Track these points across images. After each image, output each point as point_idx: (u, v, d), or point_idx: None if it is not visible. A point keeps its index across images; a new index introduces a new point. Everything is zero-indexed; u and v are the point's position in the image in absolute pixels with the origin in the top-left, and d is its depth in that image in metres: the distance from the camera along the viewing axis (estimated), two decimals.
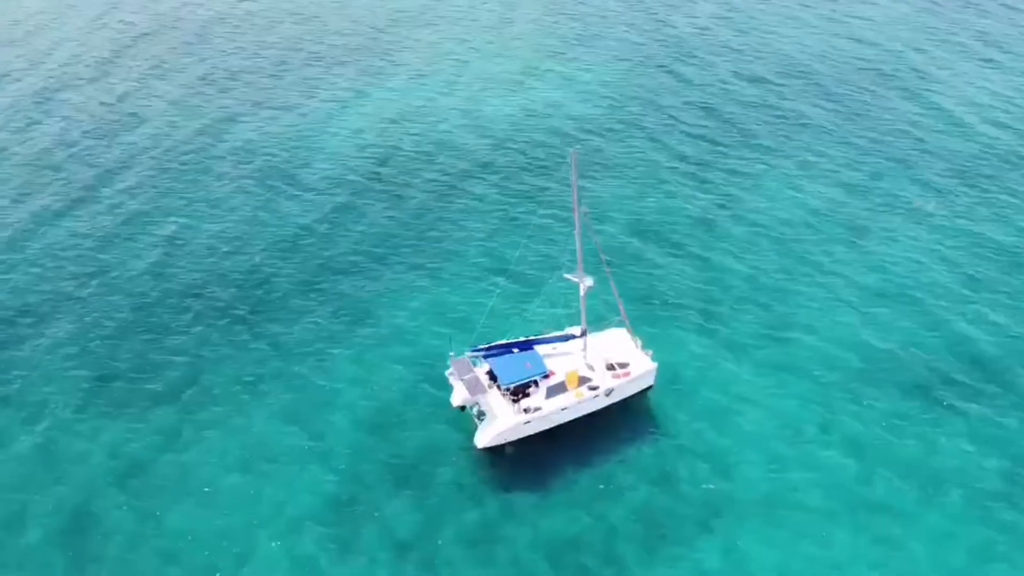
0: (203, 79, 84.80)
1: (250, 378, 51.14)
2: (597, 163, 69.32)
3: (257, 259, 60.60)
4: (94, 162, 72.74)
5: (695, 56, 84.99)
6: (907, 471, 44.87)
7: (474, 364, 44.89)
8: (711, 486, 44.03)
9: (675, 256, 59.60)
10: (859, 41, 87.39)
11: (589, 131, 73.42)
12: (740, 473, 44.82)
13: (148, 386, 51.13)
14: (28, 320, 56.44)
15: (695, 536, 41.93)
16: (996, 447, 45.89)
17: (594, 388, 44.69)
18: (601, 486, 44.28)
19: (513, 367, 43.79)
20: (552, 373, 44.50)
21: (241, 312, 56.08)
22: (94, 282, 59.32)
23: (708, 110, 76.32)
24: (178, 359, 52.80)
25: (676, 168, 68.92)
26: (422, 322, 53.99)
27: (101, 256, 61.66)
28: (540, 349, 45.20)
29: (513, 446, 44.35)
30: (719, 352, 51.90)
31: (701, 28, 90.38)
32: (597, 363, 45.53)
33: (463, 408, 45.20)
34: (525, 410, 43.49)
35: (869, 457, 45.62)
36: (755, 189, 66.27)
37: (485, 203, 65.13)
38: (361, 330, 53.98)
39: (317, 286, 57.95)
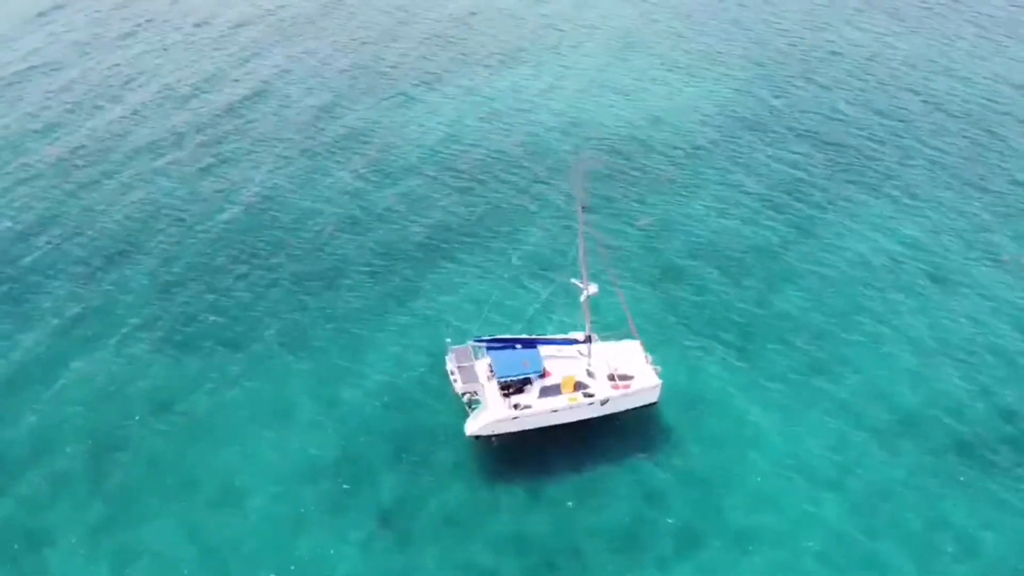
0: (324, 63, 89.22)
1: (292, 340, 53.84)
2: (675, 179, 68.37)
3: (328, 231, 63.67)
4: (217, 124, 78.16)
5: (813, 81, 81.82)
6: (909, 537, 42.46)
7: (476, 355, 45.89)
8: (693, 516, 43.19)
9: (727, 282, 58.12)
10: (996, 80, 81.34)
11: (676, 147, 72.30)
12: (728, 507, 43.74)
13: (204, 331, 55.02)
14: (120, 255, 61.93)
15: (658, 561, 41.40)
16: (1006, 531, 42.81)
17: (589, 395, 44.72)
18: (589, 493, 44.30)
19: (510, 362, 44.51)
20: (549, 374, 44.87)
21: (299, 278, 59.10)
22: (179, 230, 64.24)
23: (809, 138, 73.50)
24: (237, 311, 56.42)
25: (756, 194, 66.96)
26: (457, 314, 54.96)
27: (192, 208, 66.53)
28: (544, 349, 45.65)
29: (499, 439, 45.05)
30: (745, 384, 50.51)
31: (830, 53, 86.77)
32: (599, 371, 45.47)
33: (464, 395, 46.34)
34: (515, 406, 44.10)
35: (874, 516, 43.42)
36: (836, 225, 63.53)
37: (552, 207, 65.57)
38: (400, 312, 55.73)
39: (374, 265, 60.07)
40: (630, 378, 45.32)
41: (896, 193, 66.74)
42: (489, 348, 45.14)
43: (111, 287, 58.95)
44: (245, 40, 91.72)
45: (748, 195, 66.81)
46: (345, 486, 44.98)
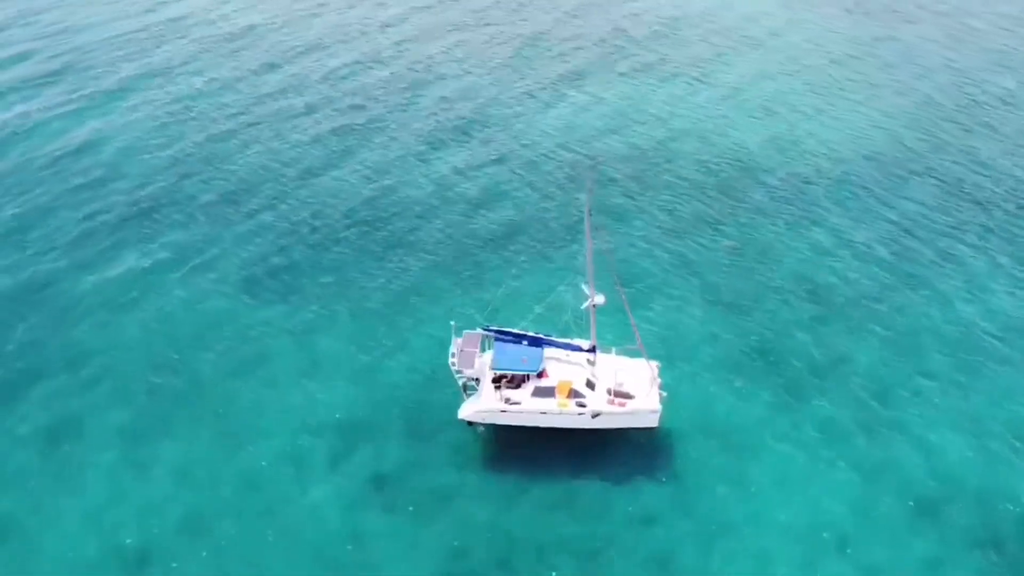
0: (472, 53, 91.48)
1: (351, 304, 56.19)
2: (781, 205, 65.29)
3: (414, 212, 65.79)
4: (372, 104, 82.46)
5: (968, 129, 75.24)
6: None
7: (484, 343, 46.24)
8: (672, 554, 41.59)
9: (792, 317, 55.31)
10: None
11: (793, 172, 68.99)
12: (714, 554, 41.70)
13: (276, 280, 58.57)
14: (238, 206, 66.85)
15: None
16: None
17: (581, 405, 44.06)
18: (573, 503, 43.71)
19: (509, 356, 44.63)
20: (547, 375, 44.59)
21: (375, 249, 61.56)
22: (280, 187, 68.57)
23: (938, 187, 68.00)
24: (309, 268, 59.67)
25: (861, 232, 63.06)
26: (498, 307, 54.88)
27: (295, 168, 70.68)
28: (549, 351, 45.39)
29: (487, 428, 45.35)
30: (776, 426, 47.98)
31: (999, 100, 79.31)
32: (602, 384, 44.68)
33: (476, 381, 46.81)
34: (506, 400, 44.20)
35: None
36: (952, 278, 58.83)
37: (644, 217, 64.54)
38: (456, 296, 56.86)
39: (448, 249, 61.48)
40: (630, 397, 44.22)
41: (1010, 264, 60.60)
42: (497, 338, 45.39)
43: (207, 225, 64.08)
44: (410, 25, 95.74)
45: (851, 232, 63.22)
46: (353, 446, 46.59)
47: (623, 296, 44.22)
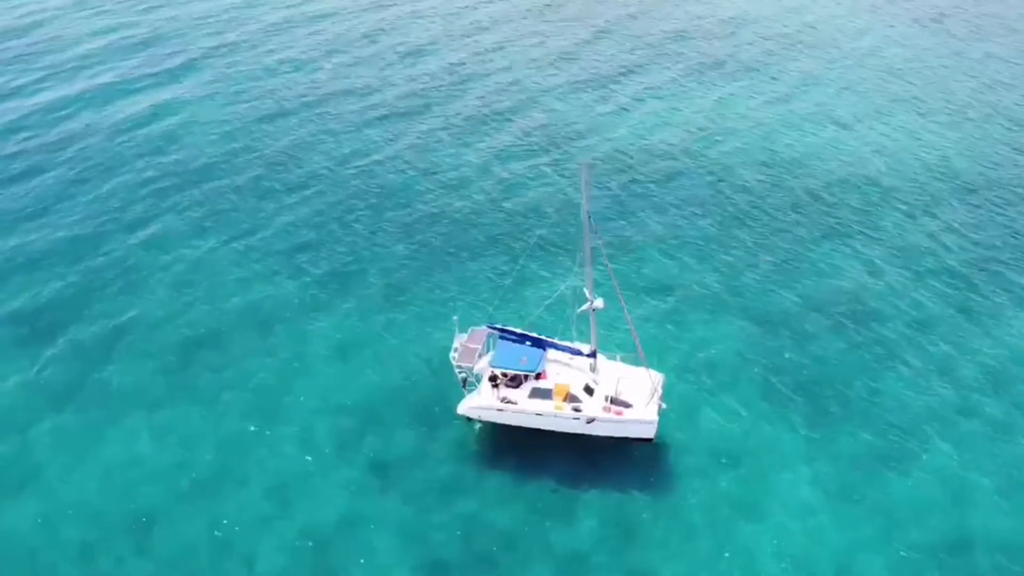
0: (526, 49, 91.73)
1: (388, 291, 57.42)
2: (832, 220, 62.88)
3: (462, 203, 66.43)
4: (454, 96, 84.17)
5: None
6: None
7: (490, 341, 46.27)
8: (663, 572, 40.64)
9: (835, 341, 53.03)
10: None
11: (849, 189, 66.20)
12: None
13: (318, 260, 60.44)
14: (283, 184, 69.59)
15: None
16: None
17: (577, 409, 43.53)
18: (565, 509, 43.25)
19: (508, 355, 44.55)
20: (545, 376, 44.27)
21: (420, 239, 62.58)
22: (333, 169, 70.70)
23: (1020, 214, 63.76)
24: (347, 251, 61.34)
25: (927, 258, 59.85)
26: (530, 307, 55.27)
27: (347, 151, 72.74)
28: (552, 353, 45.05)
29: (483, 424, 45.38)
30: (795, 453, 46.02)
31: None
32: (601, 389, 44.04)
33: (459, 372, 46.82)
34: (503, 399, 44.14)
35: None
36: (1007, 315, 55.25)
37: (678, 223, 63.26)
38: (481, 289, 57.21)
39: (491, 243, 62.02)
40: (627, 406, 43.41)
41: None
42: (501, 337, 45.42)
43: (252, 200, 66.98)
44: (486, 15, 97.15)
45: (902, 256, 60.26)
46: (362, 430, 47.54)
47: (623, 303, 43.41)
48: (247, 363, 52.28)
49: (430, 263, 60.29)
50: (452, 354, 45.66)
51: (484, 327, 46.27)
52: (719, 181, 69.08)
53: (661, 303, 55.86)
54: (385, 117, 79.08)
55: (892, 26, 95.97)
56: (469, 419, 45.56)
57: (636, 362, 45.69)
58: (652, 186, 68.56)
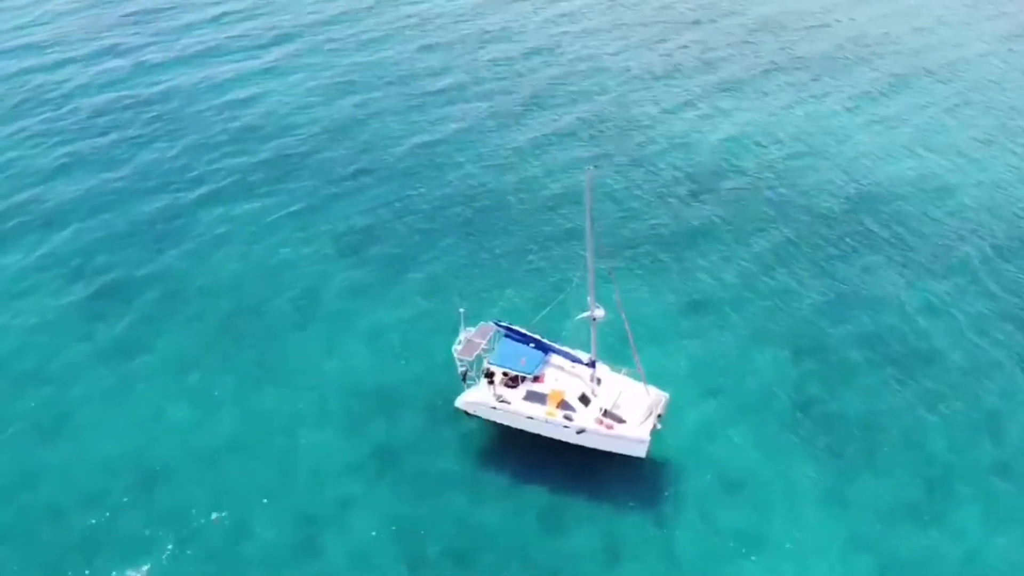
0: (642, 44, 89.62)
1: (433, 281, 57.94)
2: (897, 251, 59.00)
3: (525, 202, 66.34)
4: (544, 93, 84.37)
5: None
6: None
7: (495, 338, 45.85)
8: None
9: (870, 377, 49.91)
10: None
11: (925, 221, 61.77)
12: None
13: (372, 245, 61.79)
14: (351, 170, 71.17)
15: None
16: None
17: (569, 418, 42.53)
18: (556, 521, 42.47)
19: (508, 353, 44.18)
20: (542, 380, 43.49)
21: (474, 232, 63.19)
22: (406, 158, 71.81)
23: None
24: (403, 241, 62.22)
25: (990, 301, 55.51)
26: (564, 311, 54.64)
27: (427, 157, 73.24)
28: (556, 359, 44.27)
29: (474, 419, 45.30)
30: (808, 491, 43.48)
31: None
32: (598, 401, 42.90)
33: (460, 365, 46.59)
34: (498, 397, 43.73)
35: None
36: None
37: (728, 239, 60.98)
38: (522, 288, 56.96)
39: (550, 242, 61.59)
40: (620, 422, 42.08)
41: None
42: (506, 335, 44.98)
43: (318, 182, 68.88)
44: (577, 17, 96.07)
45: (965, 297, 56.23)
46: (372, 414, 48.17)
47: (624, 315, 41.97)
48: (280, 335, 53.91)
49: (476, 258, 60.38)
50: (455, 346, 45.59)
51: (491, 323, 45.90)
52: (783, 198, 66.31)
53: (694, 320, 54.14)
54: (460, 113, 79.58)
55: (1012, 50, 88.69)
56: (467, 413, 45.34)
57: (639, 377, 44.28)
58: (707, 196, 66.59)
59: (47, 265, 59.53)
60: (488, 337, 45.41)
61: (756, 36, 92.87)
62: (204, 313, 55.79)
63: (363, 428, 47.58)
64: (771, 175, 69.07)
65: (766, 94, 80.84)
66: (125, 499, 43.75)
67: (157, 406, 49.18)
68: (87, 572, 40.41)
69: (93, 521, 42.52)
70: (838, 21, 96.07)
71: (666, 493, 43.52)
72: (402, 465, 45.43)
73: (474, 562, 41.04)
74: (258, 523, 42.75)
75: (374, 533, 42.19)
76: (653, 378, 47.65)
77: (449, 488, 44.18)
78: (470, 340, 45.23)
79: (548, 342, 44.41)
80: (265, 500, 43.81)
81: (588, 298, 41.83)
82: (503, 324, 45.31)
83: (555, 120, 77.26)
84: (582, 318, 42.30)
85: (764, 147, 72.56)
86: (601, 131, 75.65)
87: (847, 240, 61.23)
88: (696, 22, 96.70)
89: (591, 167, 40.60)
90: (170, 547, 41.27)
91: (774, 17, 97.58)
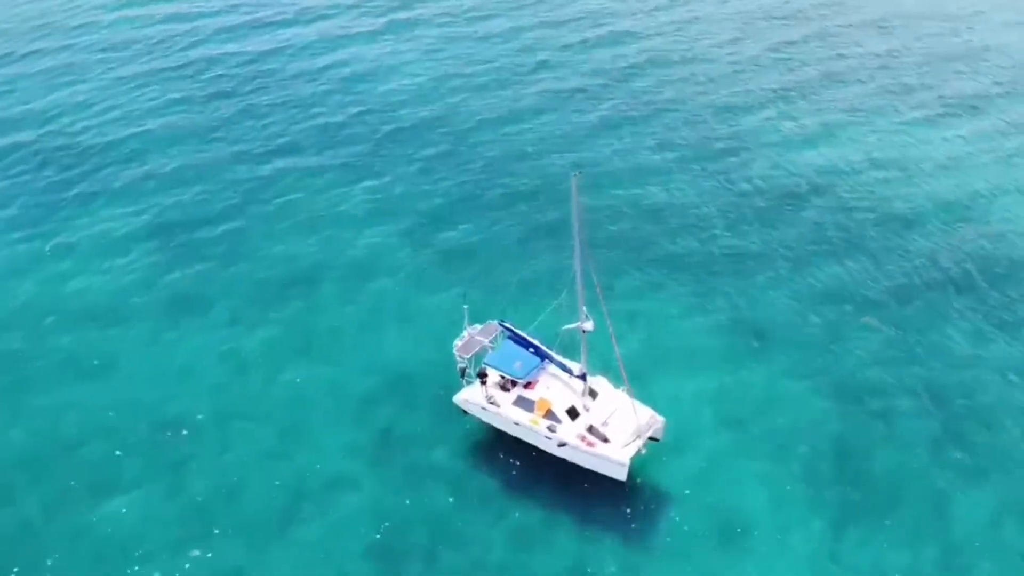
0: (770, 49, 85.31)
1: (483, 271, 57.62)
2: (978, 297, 53.63)
3: (620, 203, 64.80)
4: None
5: None
6: None
7: (498, 338, 45.08)
8: None
9: (928, 444, 44.99)
10: None
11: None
12: None
13: (439, 237, 61.80)
14: (434, 152, 71.63)
15: None
16: None
17: (552, 429, 41.27)
18: (534, 537, 41.02)
19: (505, 356, 43.23)
20: (533, 387, 42.40)
21: (545, 234, 61.60)
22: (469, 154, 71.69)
23: None
24: (465, 228, 62.58)
25: None
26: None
27: (509, 144, 72.96)
28: (553, 367, 43.02)
29: (472, 417, 44.81)
30: (813, 551, 39.79)
31: None
32: (588, 416, 41.36)
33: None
34: (489, 398, 43.07)
35: None
36: None
37: (788, 264, 57.46)
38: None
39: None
40: (604, 441, 40.40)
41: None
42: (508, 336, 44.21)
43: (408, 161, 70.25)
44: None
45: None
46: (386, 399, 48.47)
47: (611, 329, 39.94)
48: (324, 307, 55.14)
49: (541, 260, 58.50)
50: (457, 342, 45.20)
51: (496, 322, 45.25)
52: (861, 229, 61.26)
53: (728, 344, 50.83)
54: (564, 97, 78.93)
55: None
56: (464, 411, 44.98)
57: (646, 399, 42.37)
58: (774, 215, 62.67)
59: (126, 213, 64.29)
60: (492, 337, 44.76)
61: (883, 53, 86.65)
62: (260, 277, 57.98)
63: (372, 411, 47.79)
64: (856, 201, 63.81)
65: (879, 113, 75.32)
66: (135, 442, 46.20)
67: (193, 361, 51.52)
68: (89, 501, 43.11)
69: (101, 457, 45.32)
70: (985, 49, 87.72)
71: (655, 525, 41.19)
72: (398, 454, 45.28)
73: (436, 564, 40.25)
74: (249, 485, 43.94)
75: (352, 516, 42.25)
76: (670, 400, 45.76)
77: (436, 484, 43.58)
78: (472, 337, 44.79)
79: (547, 350, 43.22)
80: (263, 466, 44.93)
81: (583, 308, 40.40)
82: (507, 324, 44.52)
83: (645, 122, 75.25)
84: (569, 328, 40.85)
85: (858, 171, 67.29)
86: (685, 138, 73.27)
87: (929, 284, 55.81)
88: (823, 30, 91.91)
89: (576, 172, 38.63)
90: (160, 492, 43.28)
91: (910, 29, 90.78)
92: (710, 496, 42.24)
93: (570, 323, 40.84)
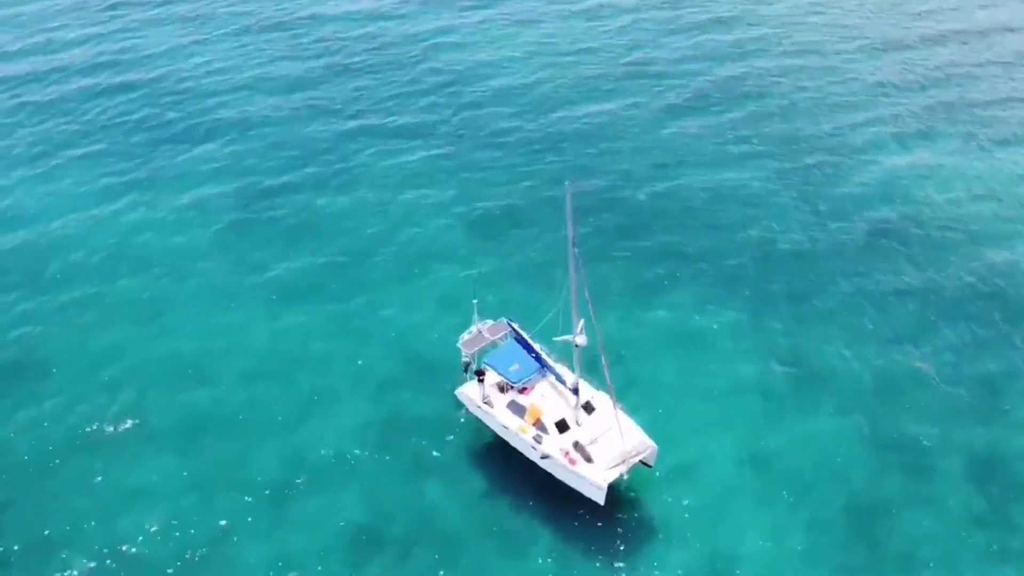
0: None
1: (531, 264, 56.40)
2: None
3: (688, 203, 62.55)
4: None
5: None
6: None
7: (505, 338, 43.70)
8: None
9: (944, 496, 40.91)
10: None
11: None
12: None
13: (502, 232, 60.50)
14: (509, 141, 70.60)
15: None
16: None
17: (538, 439, 39.69)
18: (513, 542, 39.94)
19: (504, 358, 42.01)
20: (528, 393, 40.90)
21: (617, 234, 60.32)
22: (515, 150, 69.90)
23: None
24: (523, 223, 61.18)
25: None
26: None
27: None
28: (550, 376, 41.33)
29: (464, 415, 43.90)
30: None
31: None
32: (579, 432, 39.50)
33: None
34: (484, 398, 41.98)
35: None
36: None
37: (871, 306, 52.88)
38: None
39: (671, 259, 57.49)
40: (588, 461, 38.46)
41: None
42: (513, 338, 42.90)
43: (495, 147, 69.72)
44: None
45: None
46: (403, 385, 48.02)
47: (602, 348, 37.56)
48: (373, 284, 55.62)
49: (587, 259, 56.57)
50: (463, 335, 44.21)
51: (505, 321, 43.93)
52: (938, 260, 56.25)
53: (765, 376, 47.40)
54: (650, 93, 76.58)
55: None
56: (463, 406, 44.19)
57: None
58: (844, 235, 58.49)
59: (210, 172, 67.08)
60: (499, 335, 43.48)
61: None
62: (321, 247, 58.96)
63: (387, 395, 47.50)
64: (940, 229, 58.72)
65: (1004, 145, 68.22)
66: (159, 392, 47.84)
67: (242, 322, 53.02)
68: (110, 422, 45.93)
69: (130, 398, 47.48)
70: None
71: (647, 554, 38.82)
72: (401, 441, 44.84)
73: (414, 558, 39.63)
74: (254, 454, 44.57)
75: (346, 500, 42.23)
76: (692, 425, 43.49)
77: (432, 478, 42.93)
78: (479, 333, 43.74)
79: (547, 359, 41.56)
80: (277, 438, 45.42)
81: (580, 322, 38.40)
82: (515, 325, 43.14)
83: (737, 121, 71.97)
84: (562, 340, 38.94)
85: (952, 196, 61.80)
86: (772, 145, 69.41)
87: (1001, 341, 49.74)
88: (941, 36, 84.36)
89: (570, 182, 36.28)
90: (171, 457, 44.62)
91: None
92: (713, 536, 39.54)
93: (565, 335, 38.98)
